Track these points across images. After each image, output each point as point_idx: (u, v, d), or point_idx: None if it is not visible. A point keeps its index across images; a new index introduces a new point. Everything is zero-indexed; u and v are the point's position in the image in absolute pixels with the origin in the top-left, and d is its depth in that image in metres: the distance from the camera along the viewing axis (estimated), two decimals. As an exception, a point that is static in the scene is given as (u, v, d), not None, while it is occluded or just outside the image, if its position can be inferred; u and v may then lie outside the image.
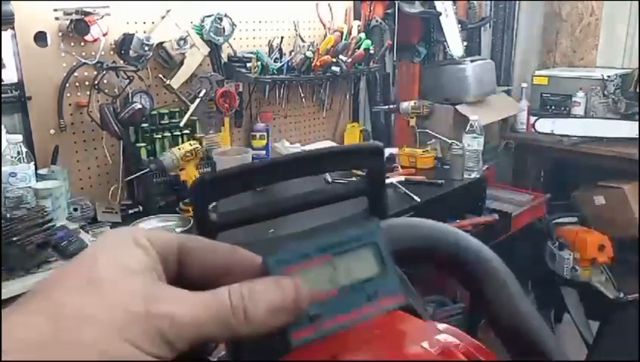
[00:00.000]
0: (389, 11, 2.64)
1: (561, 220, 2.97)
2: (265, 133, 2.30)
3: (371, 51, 2.43)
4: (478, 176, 2.31)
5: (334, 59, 2.30)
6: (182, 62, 2.00)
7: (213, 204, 0.37)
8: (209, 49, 2.07)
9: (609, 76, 3.13)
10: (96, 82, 1.79)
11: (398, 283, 0.33)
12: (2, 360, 0.23)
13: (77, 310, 0.25)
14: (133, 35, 1.82)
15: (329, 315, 0.31)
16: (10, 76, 1.68)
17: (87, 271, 0.26)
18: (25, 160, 1.61)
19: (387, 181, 2.21)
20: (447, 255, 0.36)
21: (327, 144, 2.46)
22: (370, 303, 0.32)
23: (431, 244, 0.36)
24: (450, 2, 2.84)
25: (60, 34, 1.75)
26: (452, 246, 0.37)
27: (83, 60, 1.78)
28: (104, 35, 1.79)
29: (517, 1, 3.48)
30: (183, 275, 0.30)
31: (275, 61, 2.22)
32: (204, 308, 0.27)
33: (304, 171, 0.39)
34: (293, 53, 2.29)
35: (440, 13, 2.77)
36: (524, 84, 3.36)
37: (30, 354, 0.23)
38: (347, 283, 0.31)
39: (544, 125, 3.16)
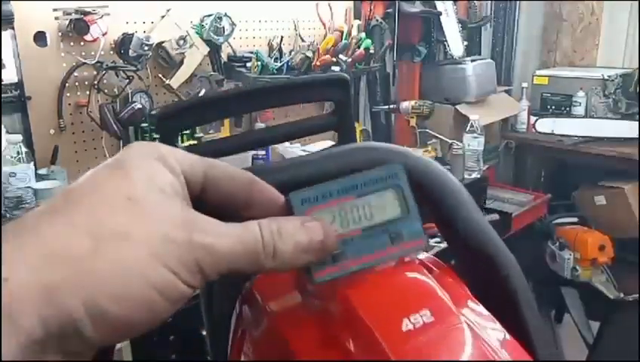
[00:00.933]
0: (389, 11, 2.64)
1: (561, 220, 2.97)
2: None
3: (371, 51, 2.43)
4: (478, 176, 2.31)
5: (334, 59, 2.30)
6: (181, 62, 2.00)
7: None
8: (209, 49, 2.06)
9: (609, 76, 3.13)
10: (95, 82, 1.79)
11: (421, 226, 0.33)
12: (37, 272, 0.22)
13: (119, 229, 0.24)
14: (132, 34, 1.82)
15: (353, 255, 0.31)
16: (10, 76, 1.68)
17: (123, 188, 0.25)
18: (25, 160, 1.60)
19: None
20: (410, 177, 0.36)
21: (327, 144, 2.45)
22: (393, 244, 0.32)
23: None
24: (451, 2, 2.84)
25: (60, 34, 1.75)
26: (408, 165, 0.36)
27: (83, 60, 1.78)
28: (104, 34, 1.79)
29: (517, 1, 3.47)
30: (204, 202, 0.30)
31: (275, 61, 2.21)
32: (239, 241, 0.27)
33: (269, 102, 0.39)
34: (293, 53, 2.28)
35: (440, 13, 2.76)
36: (525, 84, 3.36)
37: (69, 272, 0.23)
38: (370, 224, 0.32)
39: (544, 125, 3.16)
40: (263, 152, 2.26)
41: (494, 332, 0.29)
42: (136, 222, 0.25)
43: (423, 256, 0.37)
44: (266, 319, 0.34)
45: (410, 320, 0.28)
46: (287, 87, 0.39)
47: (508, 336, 0.29)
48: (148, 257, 0.24)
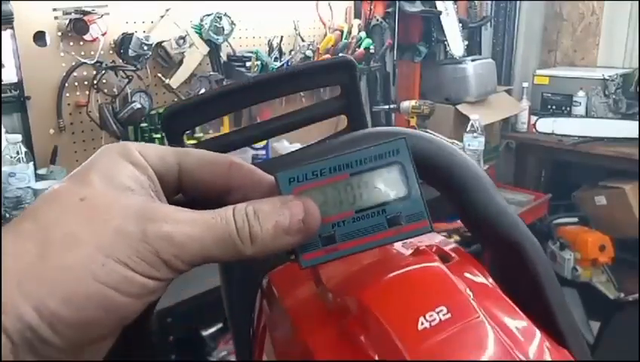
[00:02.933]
0: (389, 10, 2.64)
1: (561, 220, 2.97)
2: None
3: (372, 50, 2.43)
4: (478, 175, 2.31)
5: (334, 59, 2.30)
6: (181, 62, 2.00)
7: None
8: (208, 48, 2.06)
9: (610, 76, 3.13)
10: (95, 82, 1.79)
11: (424, 207, 0.30)
12: None
13: (66, 232, 0.24)
14: (132, 34, 1.81)
15: (343, 238, 0.29)
16: (9, 76, 1.68)
17: (78, 190, 0.25)
18: (24, 160, 1.60)
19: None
20: (425, 161, 0.35)
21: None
22: (390, 228, 0.29)
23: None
24: (451, 1, 2.84)
25: (59, 33, 1.75)
26: (430, 151, 0.35)
27: (82, 60, 1.78)
28: (103, 34, 1.79)
29: (518, 1, 3.47)
30: (185, 193, 0.29)
31: (274, 60, 2.21)
32: (206, 228, 0.26)
33: (275, 92, 0.37)
34: (293, 53, 2.28)
35: (441, 12, 2.76)
36: (525, 84, 3.36)
37: (17, 280, 0.23)
38: (366, 205, 0.29)
39: (545, 125, 3.16)
40: (263, 152, 2.26)
41: (518, 326, 0.28)
42: (86, 222, 0.24)
43: (437, 239, 0.36)
44: (283, 315, 0.33)
45: (425, 319, 0.26)
46: (292, 75, 0.38)
47: (534, 329, 0.28)
48: (96, 254, 0.24)
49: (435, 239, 0.37)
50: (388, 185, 0.29)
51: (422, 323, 0.26)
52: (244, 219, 0.26)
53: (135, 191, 0.26)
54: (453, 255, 0.34)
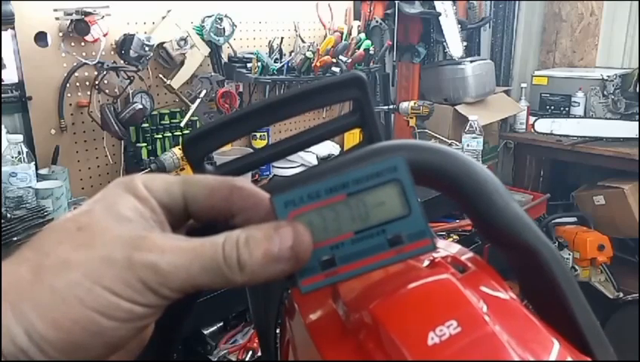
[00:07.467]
0: (388, 12, 2.65)
1: (560, 220, 2.98)
2: (265, 134, 2.31)
3: (371, 52, 2.44)
4: (477, 176, 2.32)
5: (334, 60, 2.31)
6: (182, 63, 2.01)
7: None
8: (209, 49, 2.07)
9: (609, 76, 3.14)
10: (96, 82, 1.80)
11: (426, 224, 0.29)
12: None
13: (60, 258, 0.25)
14: (133, 35, 1.82)
15: (343, 260, 0.28)
16: (10, 76, 1.69)
17: (78, 219, 0.27)
18: (25, 160, 1.61)
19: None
20: (433, 171, 0.34)
21: (328, 144, 2.46)
22: (392, 248, 0.29)
23: (426, 166, 0.34)
24: (450, 2, 2.85)
25: (61, 34, 1.75)
26: (437, 161, 0.34)
27: (83, 60, 1.78)
28: (104, 35, 1.80)
29: (517, 1, 3.48)
30: (196, 219, 0.30)
31: (275, 61, 2.22)
32: (192, 257, 0.26)
33: (291, 111, 0.37)
34: (293, 54, 2.29)
35: (440, 14, 2.77)
36: (524, 84, 3.37)
37: (12, 304, 0.24)
38: (365, 225, 0.28)
39: (543, 125, 3.16)
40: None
41: (535, 338, 0.27)
42: (79, 249, 0.25)
43: (455, 249, 0.35)
44: (303, 331, 0.33)
45: (435, 333, 0.26)
46: (307, 94, 0.38)
47: (553, 341, 0.27)
48: (84, 280, 0.25)
49: (452, 249, 0.36)
50: (387, 204, 0.29)
51: (432, 339, 0.26)
52: (234, 246, 0.26)
53: (133, 222, 0.27)
54: (470, 265, 0.33)
